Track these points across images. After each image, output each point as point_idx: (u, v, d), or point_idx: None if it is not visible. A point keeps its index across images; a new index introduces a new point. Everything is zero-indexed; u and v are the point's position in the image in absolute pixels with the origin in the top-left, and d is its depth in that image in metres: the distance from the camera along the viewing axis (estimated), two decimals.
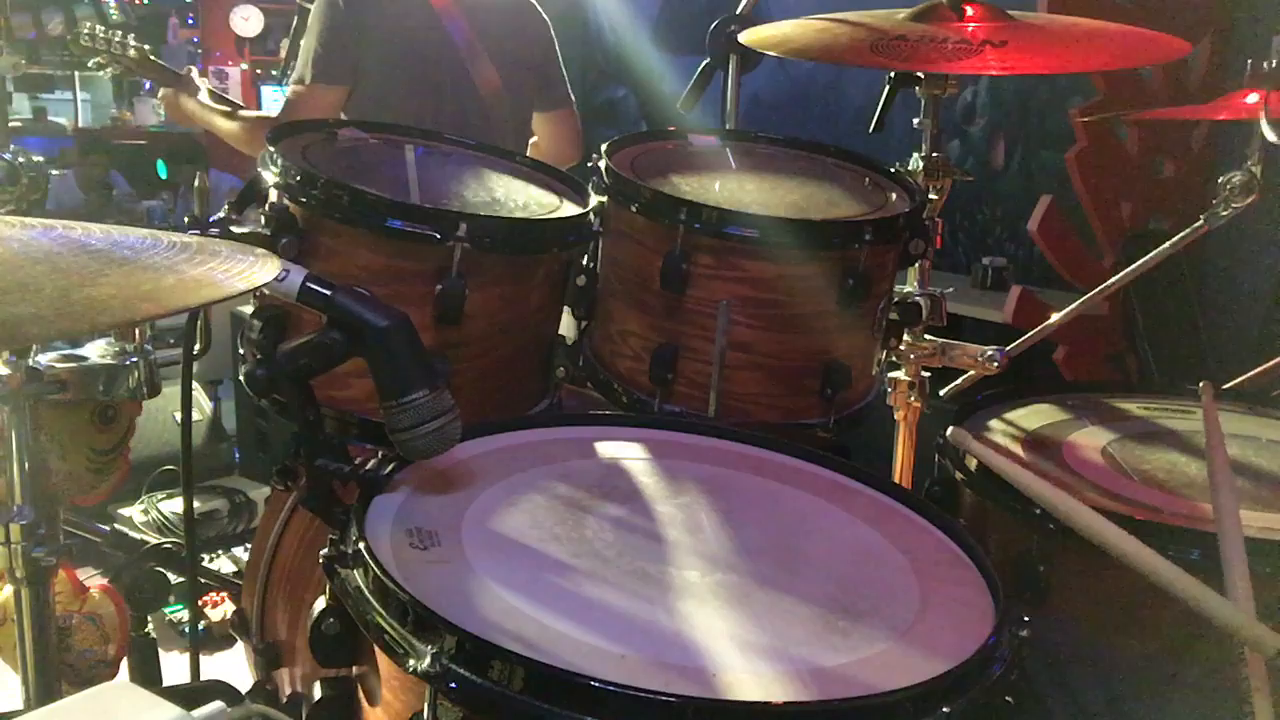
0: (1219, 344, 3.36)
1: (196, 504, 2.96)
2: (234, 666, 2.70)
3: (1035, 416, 1.63)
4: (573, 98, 2.72)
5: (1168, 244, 1.95)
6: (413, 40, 2.44)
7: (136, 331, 1.49)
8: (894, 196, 1.65)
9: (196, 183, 1.51)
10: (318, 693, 1.01)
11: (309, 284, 1.03)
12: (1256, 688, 0.99)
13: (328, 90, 2.38)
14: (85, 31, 2.74)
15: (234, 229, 1.38)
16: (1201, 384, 1.42)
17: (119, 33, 2.77)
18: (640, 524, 1.11)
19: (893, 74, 1.82)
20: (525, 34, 2.62)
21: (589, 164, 1.60)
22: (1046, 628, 1.11)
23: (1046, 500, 1.16)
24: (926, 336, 1.83)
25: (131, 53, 2.77)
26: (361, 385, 1.34)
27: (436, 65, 2.45)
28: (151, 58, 2.83)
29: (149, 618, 1.98)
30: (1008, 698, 0.90)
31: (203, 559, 3.18)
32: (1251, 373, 1.88)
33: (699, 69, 2.16)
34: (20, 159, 1.75)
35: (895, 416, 1.92)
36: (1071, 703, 1.12)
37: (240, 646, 1.67)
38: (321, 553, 0.98)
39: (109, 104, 7.61)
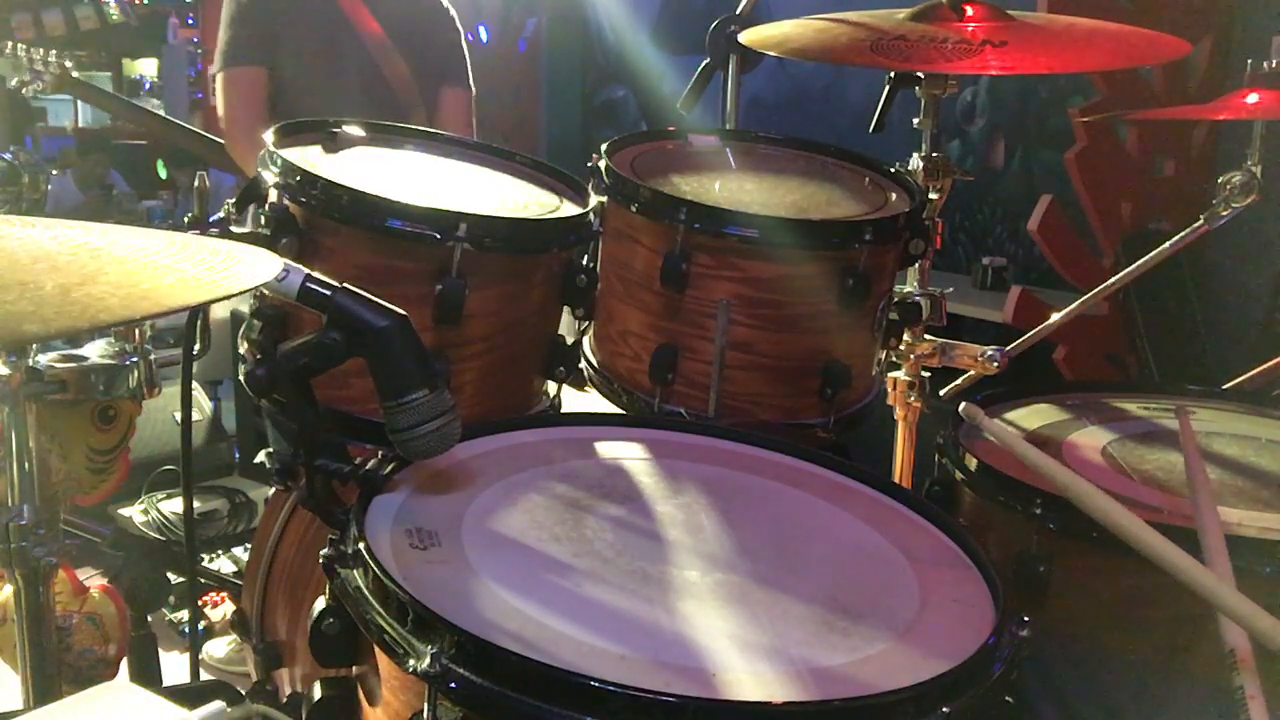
0: (1219, 344, 3.36)
1: (196, 504, 2.97)
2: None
3: (1035, 416, 1.63)
4: (472, 87, 2.82)
5: (1168, 244, 1.95)
6: (318, 30, 2.58)
7: (136, 331, 1.49)
8: (894, 196, 1.65)
9: (196, 183, 1.51)
10: (318, 693, 1.01)
11: (309, 284, 1.03)
12: (1251, 695, 0.98)
13: (241, 71, 2.52)
14: (6, 47, 2.77)
15: (234, 229, 1.38)
16: (1177, 407, 1.42)
17: (42, 51, 2.80)
18: (640, 524, 1.11)
19: (893, 74, 1.82)
20: (423, 11, 2.75)
21: (589, 164, 1.60)
22: (1044, 630, 1.11)
23: (1059, 480, 1.14)
24: (926, 336, 1.83)
25: (54, 68, 2.79)
26: (361, 385, 1.33)
27: (342, 55, 2.58)
28: (75, 75, 2.86)
29: (149, 618, 1.98)
30: (1008, 698, 0.90)
31: (203, 559, 3.18)
32: (1251, 373, 1.88)
33: (699, 69, 2.16)
34: (20, 159, 1.75)
35: (895, 416, 1.92)
36: (1066, 703, 1.12)
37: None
38: (321, 553, 0.98)
39: None
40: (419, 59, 2.70)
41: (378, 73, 2.62)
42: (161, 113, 2.96)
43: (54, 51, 2.84)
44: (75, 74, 2.88)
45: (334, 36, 2.59)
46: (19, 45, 2.79)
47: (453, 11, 2.80)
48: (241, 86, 2.53)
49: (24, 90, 2.86)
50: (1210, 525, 1.12)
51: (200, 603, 2.91)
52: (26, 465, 1.33)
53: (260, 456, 1.25)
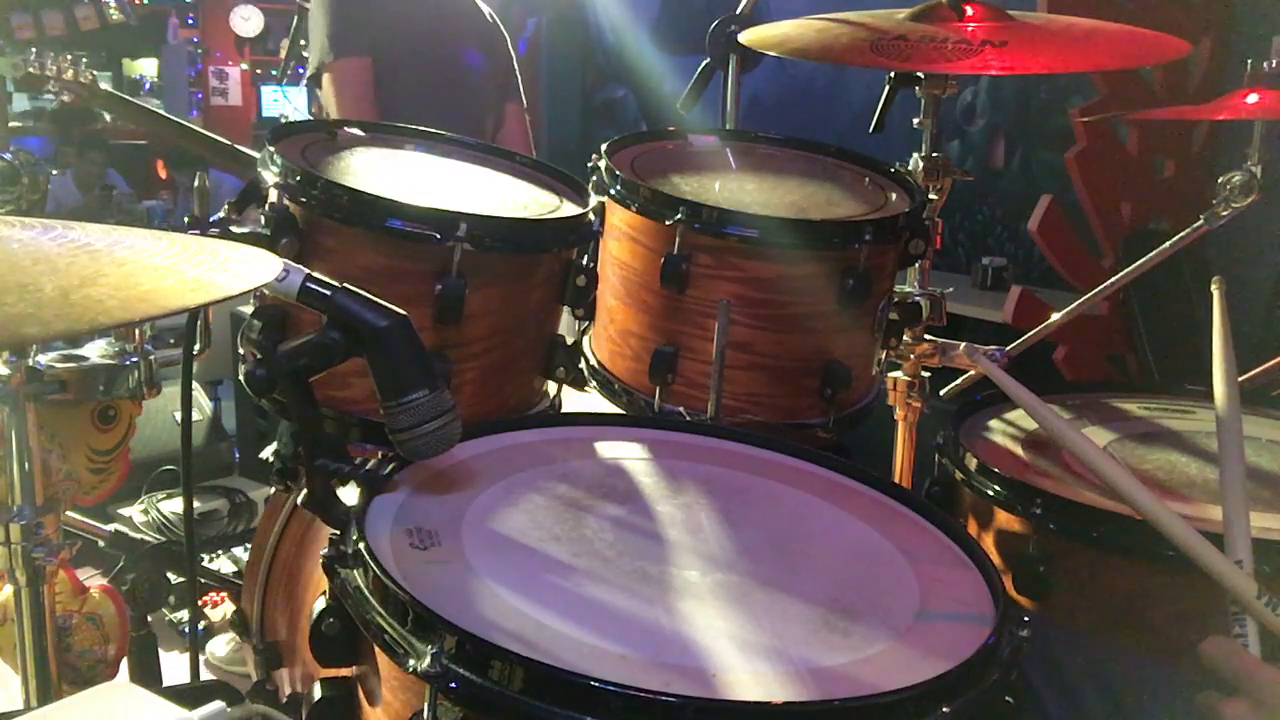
0: None
1: (196, 504, 2.96)
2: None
3: None
4: (524, 100, 2.94)
5: (1168, 244, 1.95)
6: (413, 33, 2.63)
7: (136, 332, 1.49)
8: (894, 196, 1.65)
9: (196, 183, 1.51)
10: (318, 693, 1.01)
11: (309, 284, 1.03)
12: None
13: (351, 62, 2.55)
14: (33, 60, 2.79)
15: (234, 229, 1.37)
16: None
17: (68, 57, 2.82)
18: (640, 524, 1.11)
19: (893, 74, 1.82)
20: (491, 29, 2.87)
21: (589, 164, 1.60)
22: (1046, 628, 1.11)
23: (1068, 438, 1.12)
24: (926, 336, 1.83)
25: (83, 79, 2.82)
26: (361, 385, 1.34)
27: (435, 60, 2.64)
28: (103, 86, 2.89)
29: (149, 618, 1.98)
30: (1008, 698, 0.90)
31: (203, 559, 3.18)
32: (1252, 373, 1.88)
33: (699, 69, 2.16)
34: (20, 159, 1.75)
35: (895, 416, 1.92)
36: (1069, 703, 1.12)
37: None
38: (321, 553, 0.98)
39: None
40: (492, 73, 2.79)
41: (465, 82, 2.70)
42: (162, 112, 2.98)
43: (83, 61, 2.86)
44: (104, 85, 2.91)
45: (430, 42, 2.64)
46: (49, 59, 2.81)
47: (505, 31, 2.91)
48: (350, 77, 2.55)
49: (53, 104, 2.90)
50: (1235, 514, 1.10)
51: (200, 603, 2.91)
52: (26, 465, 1.33)
53: (265, 453, 1.25)
